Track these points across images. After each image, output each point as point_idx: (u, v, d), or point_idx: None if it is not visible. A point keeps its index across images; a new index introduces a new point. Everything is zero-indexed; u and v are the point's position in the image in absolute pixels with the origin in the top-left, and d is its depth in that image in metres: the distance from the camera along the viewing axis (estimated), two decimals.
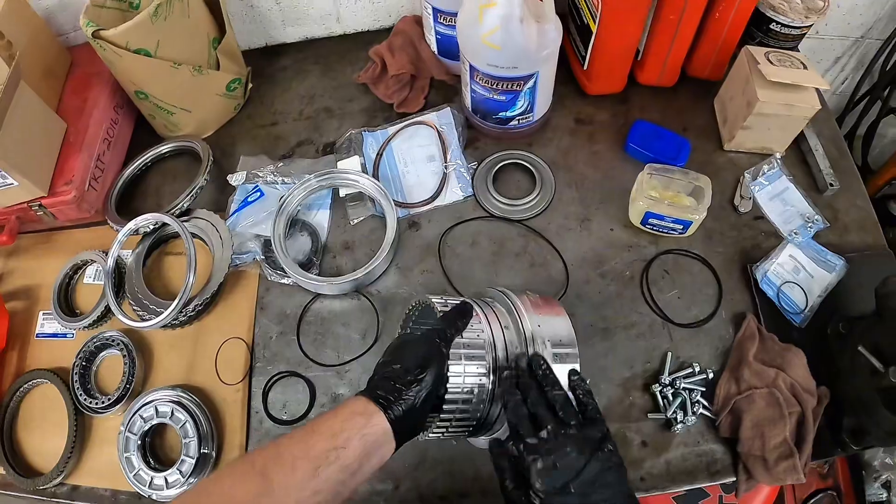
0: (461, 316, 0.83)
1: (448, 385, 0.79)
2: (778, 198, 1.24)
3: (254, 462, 0.72)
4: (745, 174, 1.25)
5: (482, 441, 0.91)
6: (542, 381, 0.80)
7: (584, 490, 0.71)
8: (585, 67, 1.31)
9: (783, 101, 1.16)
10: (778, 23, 1.26)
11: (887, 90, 1.65)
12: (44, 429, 1.21)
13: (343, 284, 1.18)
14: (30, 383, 1.24)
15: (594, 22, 1.21)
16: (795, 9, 1.25)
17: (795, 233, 1.19)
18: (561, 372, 0.83)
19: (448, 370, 0.79)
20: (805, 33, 1.28)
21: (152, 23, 1.19)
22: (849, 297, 1.14)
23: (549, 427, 0.74)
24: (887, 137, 1.82)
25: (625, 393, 1.09)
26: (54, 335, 1.28)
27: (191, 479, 1.10)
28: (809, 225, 1.20)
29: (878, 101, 1.69)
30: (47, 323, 1.29)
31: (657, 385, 1.08)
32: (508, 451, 0.77)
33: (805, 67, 1.19)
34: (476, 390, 0.81)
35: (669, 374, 1.09)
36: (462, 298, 0.89)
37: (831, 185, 1.23)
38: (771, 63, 1.18)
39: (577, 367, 0.86)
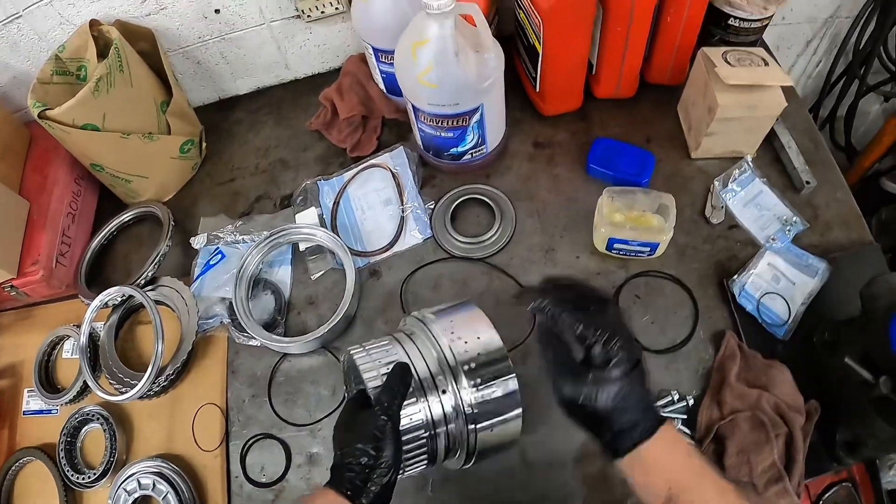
0: (401, 382, 0.81)
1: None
2: (752, 203, 1.17)
3: None
4: (715, 182, 1.18)
5: (450, 463, 0.93)
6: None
7: (630, 385, 0.75)
8: (538, 89, 1.26)
9: (746, 104, 1.10)
10: (736, 17, 1.19)
11: (863, 67, 1.57)
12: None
13: (308, 342, 1.16)
14: (20, 462, 1.26)
15: (539, 42, 1.16)
16: (753, 2, 1.17)
17: (773, 238, 1.13)
18: (496, 391, 0.84)
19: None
20: (766, 24, 1.21)
21: (95, 97, 1.19)
22: (835, 300, 1.09)
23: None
24: (870, 115, 1.73)
25: None
26: (40, 411, 1.30)
27: None
28: (788, 228, 1.14)
29: (855, 79, 1.61)
30: (32, 400, 1.31)
31: None
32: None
33: (766, 64, 1.12)
34: (412, 432, 0.83)
35: None
36: (397, 361, 0.85)
37: (808, 182, 1.16)
38: (729, 64, 1.11)
39: (513, 378, 0.86)
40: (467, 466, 0.91)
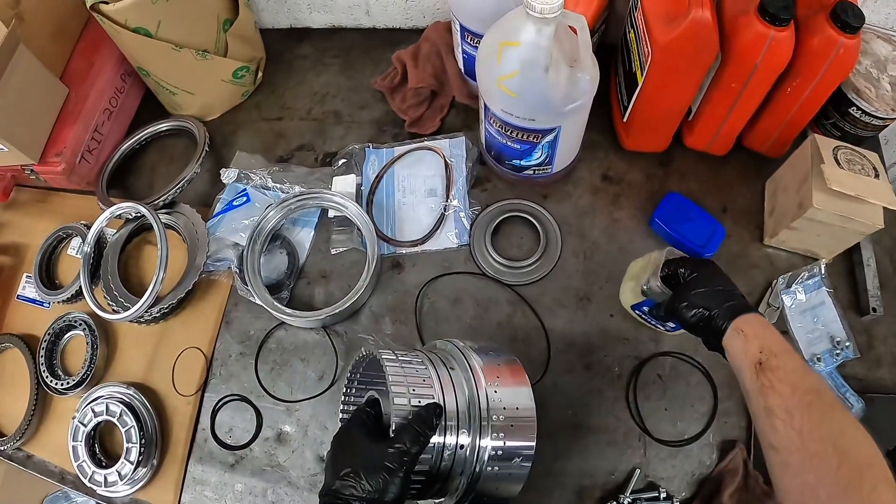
0: (430, 427, 0.73)
1: None
2: (810, 312, 1.07)
3: None
4: (780, 279, 1.07)
5: None
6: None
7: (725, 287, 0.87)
8: (625, 119, 1.14)
9: (841, 212, 0.97)
10: (859, 108, 1.05)
11: None
12: (11, 391, 1.23)
13: (309, 320, 1.11)
14: (2, 345, 1.25)
15: (641, 73, 1.03)
16: (883, 97, 1.03)
17: (818, 358, 1.03)
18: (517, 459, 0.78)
19: None
20: (888, 125, 1.07)
21: (153, 2, 1.10)
22: None
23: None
24: None
25: (578, 502, 0.99)
26: (33, 300, 1.28)
27: (131, 480, 1.09)
28: (837, 352, 1.03)
29: None
30: (29, 286, 1.28)
31: (615, 503, 0.97)
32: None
33: (876, 175, 0.99)
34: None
35: (632, 492, 0.98)
36: (432, 401, 0.77)
37: (874, 309, 1.05)
38: (838, 164, 0.98)
39: (533, 441, 0.80)
40: None
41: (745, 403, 1.01)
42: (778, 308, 1.07)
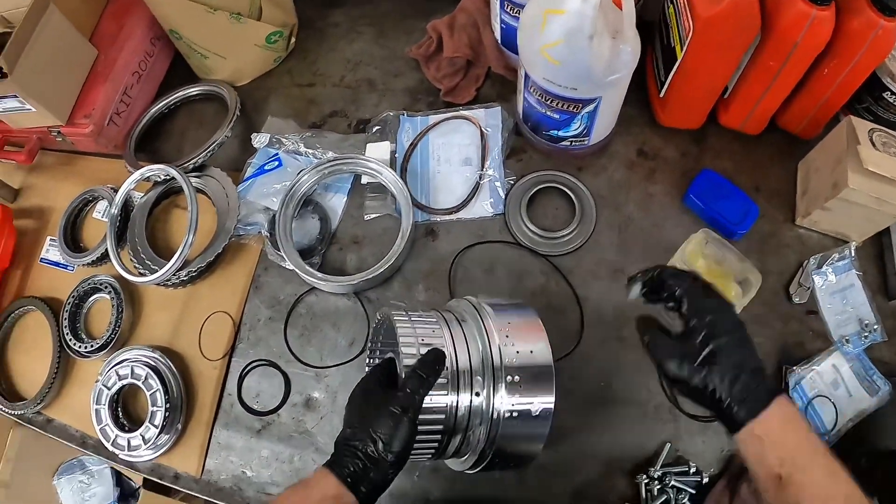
0: (432, 370, 0.75)
1: None
2: (839, 294, 1.07)
3: None
4: (811, 259, 1.08)
5: (452, 462, 0.89)
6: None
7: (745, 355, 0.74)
8: (662, 95, 1.14)
9: (875, 193, 0.98)
10: (893, 94, 1.05)
11: None
12: (32, 355, 1.23)
13: (341, 285, 1.10)
14: (24, 308, 1.24)
15: (681, 48, 1.04)
16: None
17: (847, 340, 1.04)
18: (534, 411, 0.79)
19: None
20: None
21: None
22: (883, 427, 1.00)
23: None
24: None
25: (607, 475, 1.00)
26: (56, 264, 1.27)
27: (154, 445, 1.08)
28: (865, 334, 1.04)
29: None
30: (53, 249, 1.28)
31: (645, 475, 0.98)
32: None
33: None
34: (432, 415, 0.77)
35: (662, 466, 0.98)
36: (435, 347, 0.78)
37: None
38: (874, 145, 0.99)
39: (551, 403, 0.80)
40: (470, 472, 0.86)
41: (777, 380, 1.03)
42: (808, 288, 1.07)
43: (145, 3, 1.20)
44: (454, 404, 0.78)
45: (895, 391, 1.01)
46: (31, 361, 1.22)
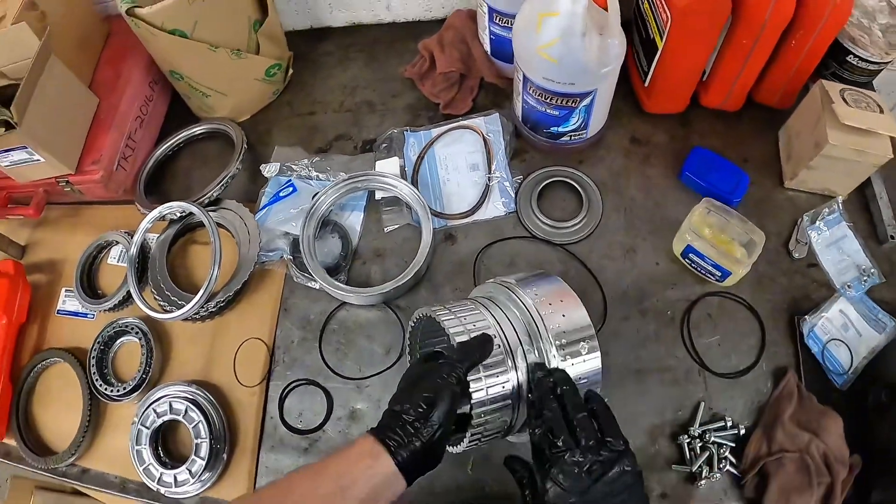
0: (481, 349, 0.79)
1: (472, 404, 0.77)
2: (834, 245, 1.16)
3: (261, 497, 0.75)
4: (804, 217, 1.17)
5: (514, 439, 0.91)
6: (563, 400, 0.77)
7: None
8: (647, 84, 1.23)
9: (854, 146, 1.07)
10: (856, 56, 1.16)
11: None
12: (58, 407, 1.21)
13: (371, 296, 1.13)
14: (47, 361, 1.23)
15: (661, 38, 1.12)
16: (876, 43, 1.15)
17: (848, 286, 1.12)
18: (584, 366, 0.83)
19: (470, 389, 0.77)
20: (882, 69, 1.19)
21: (189, 3, 1.13)
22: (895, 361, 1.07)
23: (559, 443, 0.72)
24: None
25: (651, 441, 1.04)
26: (75, 313, 1.26)
27: (201, 479, 1.08)
28: (864, 278, 1.13)
29: None
30: (69, 300, 1.27)
31: (685, 436, 1.03)
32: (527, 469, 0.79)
33: (881, 110, 1.10)
34: (500, 401, 0.80)
35: (700, 425, 1.04)
36: (483, 332, 0.82)
37: (892, 237, 1.14)
38: (846, 103, 1.09)
39: (597, 355, 0.84)
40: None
41: (790, 331, 1.10)
42: (806, 244, 1.16)
43: (144, 47, 1.23)
44: (516, 378, 0.81)
45: None
46: (58, 414, 1.20)
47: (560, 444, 0.72)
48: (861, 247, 1.15)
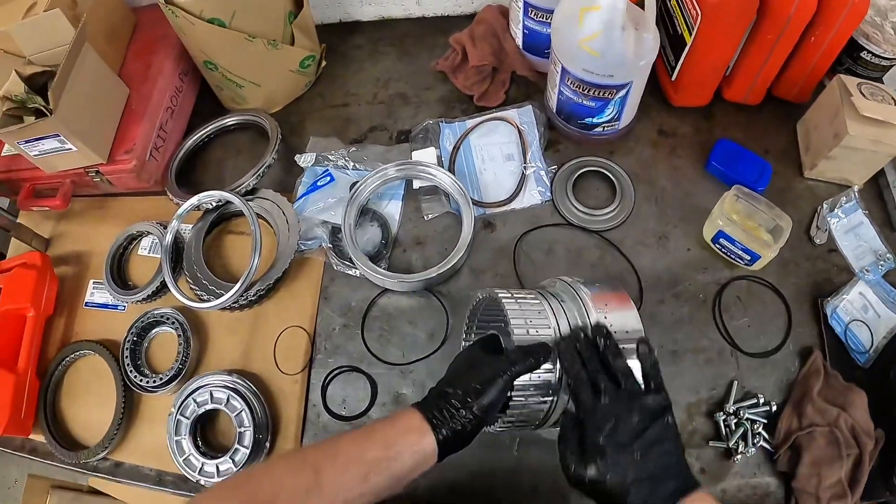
0: (537, 357, 0.79)
1: (513, 392, 0.79)
2: (852, 232, 1.22)
3: (306, 456, 0.74)
4: (823, 205, 1.23)
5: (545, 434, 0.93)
6: (604, 351, 0.80)
7: (644, 452, 0.72)
8: (674, 78, 1.28)
9: (872, 137, 1.14)
10: (869, 52, 1.23)
11: None
12: (87, 401, 1.19)
13: (414, 282, 1.15)
14: (77, 353, 1.20)
15: (689, 34, 1.17)
16: (889, 40, 1.22)
17: (866, 270, 1.18)
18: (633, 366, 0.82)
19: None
20: (893, 65, 1.26)
21: None
22: None
23: (609, 394, 0.75)
24: None
25: (689, 418, 1.08)
26: (104, 305, 1.24)
27: (245, 467, 1.07)
28: (881, 263, 1.19)
29: None
30: (97, 292, 1.25)
31: (721, 413, 1.07)
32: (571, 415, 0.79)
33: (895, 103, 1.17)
34: (542, 389, 0.81)
35: (734, 403, 1.08)
36: (543, 342, 0.82)
37: None
38: (864, 96, 1.15)
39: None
40: None
41: (815, 313, 1.16)
42: (826, 230, 1.22)
43: (175, 37, 1.23)
44: (557, 373, 0.82)
45: None
46: (87, 408, 1.18)
47: (607, 391, 0.75)
48: (877, 233, 1.21)
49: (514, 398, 0.80)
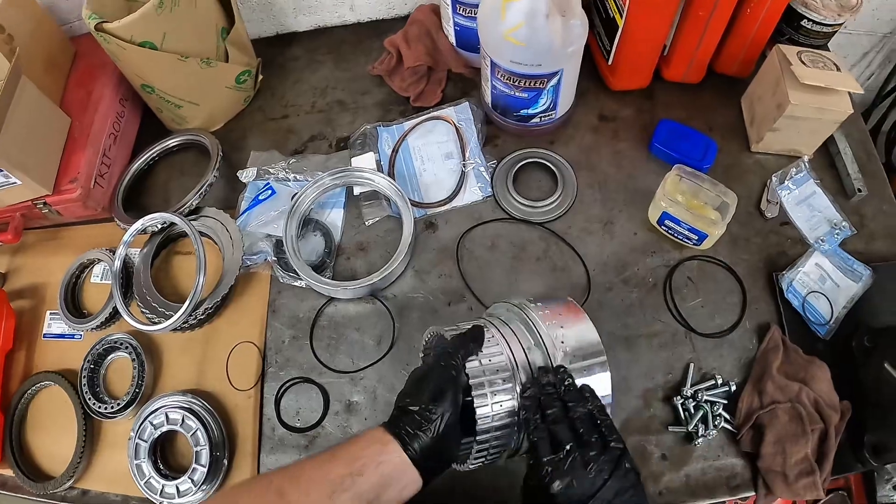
0: (473, 339, 0.81)
1: (477, 418, 0.77)
2: (805, 203, 1.20)
3: (271, 481, 0.73)
4: (773, 178, 1.20)
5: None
6: (564, 397, 0.78)
7: None
8: (610, 62, 1.26)
9: (815, 105, 1.11)
10: (809, 20, 1.20)
11: None
12: (52, 431, 1.19)
13: (358, 289, 1.14)
14: (37, 385, 1.21)
15: (621, 16, 1.16)
16: (828, 6, 1.19)
17: (822, 240, 1.16)
18: (593, 383, 0.81)
19: (475, 404, 0.78)
20: (836, 31, 1.23)
21: (157, 14, 1.14)
22: (874, 307, 1.11)
23: (567, 447, 0.73)
24: None
25: (645, 405, 1.06)
26: (62, 335, 1.25)
27: (203, 488, 1.07)
28: (836, 232, 1.16)
29: None
30: (55, 323, 1.26)
31: (679, 397, 1.05)
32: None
33: (838, 69, 1.14)
34: (507, 418, 0.80)
35: (691, 385, 1.06)
36: (474, 323, 0.86)
37: (859, 190, 1.19)
38: (804, 64, 1.13)
39: (607, 374, 0.83)
40: None
41: (770, 288, 1.13)
42: (777, 203, 1.19)
43: (112, 65, 1.24)
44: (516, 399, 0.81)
45: (875, 275, 1.12)
46: (52, 438, 1.18)
47: (565, 442, 0.73)
48: (830, 202, 1.19)
49: (479, 431, 0.78)
